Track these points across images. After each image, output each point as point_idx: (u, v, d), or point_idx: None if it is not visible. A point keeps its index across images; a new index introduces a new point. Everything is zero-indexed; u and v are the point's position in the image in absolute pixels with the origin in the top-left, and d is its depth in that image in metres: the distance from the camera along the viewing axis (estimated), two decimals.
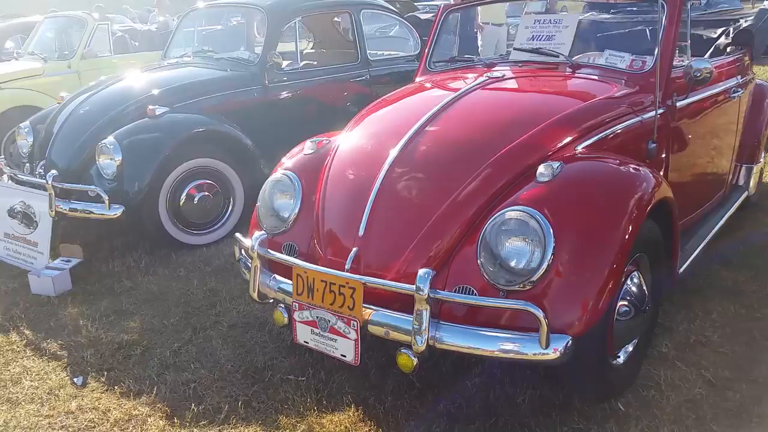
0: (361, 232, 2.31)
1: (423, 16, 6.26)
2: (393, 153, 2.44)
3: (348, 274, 2.17)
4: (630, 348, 2.42)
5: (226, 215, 4.31)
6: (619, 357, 2.38)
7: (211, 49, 5.02)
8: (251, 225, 2.93)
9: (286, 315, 2.48)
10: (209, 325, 3.17)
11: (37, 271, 3.72)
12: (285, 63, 4.59)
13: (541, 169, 2.16)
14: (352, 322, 2.16)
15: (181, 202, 4.07)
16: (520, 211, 2.06)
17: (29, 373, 2.84)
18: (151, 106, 4.02)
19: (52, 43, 7.00)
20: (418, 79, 3.50)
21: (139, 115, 4.07)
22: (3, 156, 4.50)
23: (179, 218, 4.09)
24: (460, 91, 2.73)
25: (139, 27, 9.09)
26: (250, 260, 2.75)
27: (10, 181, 4.37)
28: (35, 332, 3.21)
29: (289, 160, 2.91)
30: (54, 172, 3.85)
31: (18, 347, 3.07)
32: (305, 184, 2.71)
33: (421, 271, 2.01)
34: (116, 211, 3.78)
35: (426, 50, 3.59)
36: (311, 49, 6.00)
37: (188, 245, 4.15)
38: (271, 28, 4.60)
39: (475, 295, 2.08)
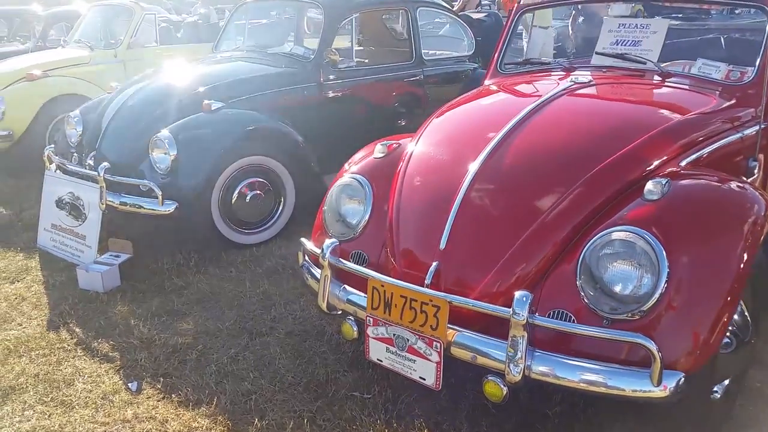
0: (442, 246, 2.16)
1: (475, 16, 6.06)
2: (477, 161, 2.28)
3: (433, 291, 2.02)
4: (727, 382, 2.24)
5: (277, 215, 4.19)
6: (716, 392, 2.19)
7: (264, 44, 4.89)
8: (315, 229, 2.80)
9: (355, 328, 2.34)
10: (265, 331, 3.04)
11: (86, 266, 3.63)
12: (340, 60, 4.44)
13: (649, 186, 1.98)
14: (434, 343, 2.01)
15: (233, 200, 3.96)
16: (628, 231, 1.89)
17: (82, 374, 2.74)
18: (207, 101, 3.91)
19: (98, 32, 6.95)
20: (487, 82, 3.34)
21: (194, 110, 3.96)
22: (52, 145, 4.43)
23: (230, 216, 3.98)
24: (546, 97, 2.55)
25: (174, 18, 9.01)
26: (314, 267, 2.64)
27: (57, 171, 4.29)
28: (85, 330, 3.12)
29: (357, 164, 2.78)
30: (106, 164, 3.75)
31: (69, 346, 2.98)
32: (376, 189, 2.58)
33: (518, 294, 1.85)
34: (169, 207, 3.67)
35: (496, 52, 3.42)
36: (359, 46, 5.86)
37: (238, 244, 4.03)
38: (328, 24, 4.46)
39: (572, 320, 1.92)
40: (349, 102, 4.61)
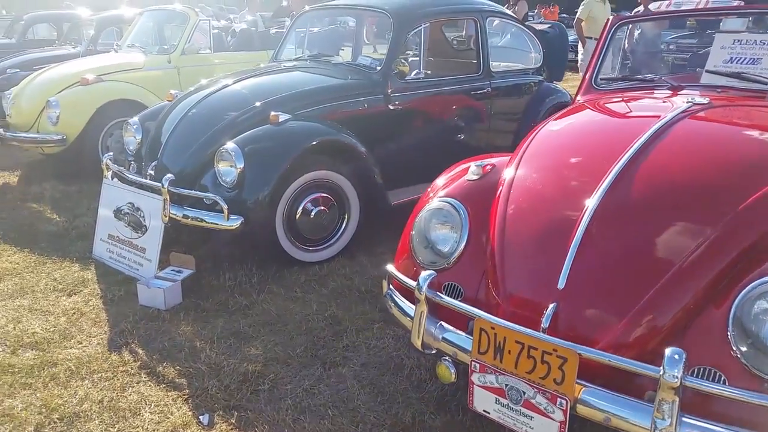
0: (561, 285, 1.93)
1: (539, 27, 5.82)
2: (599, 192, 2.05)
3: (559, 340, 1.79)
4: None
5: (340, 231, 4.00)
6: None
7: (326, 54, 4.73)
8: (398, 254, 2.61)
9: (453, 371, 2.13)
10: (339, 361, 2.84)
11: (147, 281, 3.48)
12: (409, 72, 4.24)
13: None
14: (558, 399, 1.78)
15: (297, 216, 3.78)
16: None
17: (148, 403, 2.57)
18: (274, 113, 3.74)
19: (151, 37, 6.89)
20: (581, 99, 3.10)
21: (260, 121, 3.80)
22: (111, 153, 4.31)
23: (293, 233, 3.80)
24: (665, 120, 2.31)
25: (215, 24, 8.92)
26: (400, 296, 2.44)
27: (115, 180, 4.17)
28: (149, 352, 2.95)
29: (447, 186, 2.56)
30: (171, 176, 3.61)
31: (132, 369, 2.82)
32: (472, 215, 2.37)
33: (670, 351, 1.61)
34: (234, 222, 3.51)
35: (591, 66, 3.18)
36: (415, 56, 5.66)
37: (301, 262, 3.85)
38: (396, 33, 4.27)
39: (723, 381, 1.68)
40: (416, 115, 4.41)
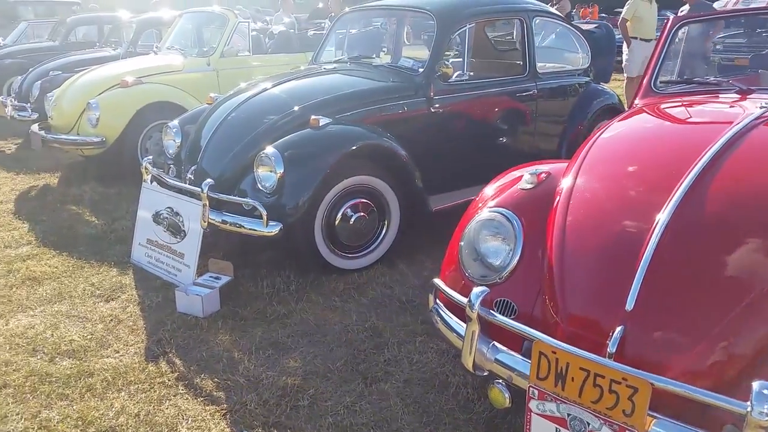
0: (629, 306, 1.77)
1: (585, 27, 5.61)
2: (670, 205, 1.89)
3: (630, 368, 1.64)
4: None
5: (380, 238, 3.89)
6: None
7: (366, 55, 4.62)
8: (445, 266, 2.48)
9: (508, 396, 1.99)
10: (381, 377, 2.72)
11: (185, 288, 3.42)
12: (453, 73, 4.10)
13: None
14: None
15: (336, 222, 3.68)
16: None
17: (185, 418, 2.49)
18: (315, 117, 3.64)
19: (191, 39, 6.89)
20: (639, 102, 2.92)
21: (300, 125, 3.71)
22: (150, 156, 4.27)
23: (332, 239, 3.70)
24: (738, 127, 2.14)
25: (253, 26, 8.90)
26: (447, 311, 2.31)
27: (154, 183, 4.13)
28: (186, 363, 2.88)
29: (498, 196, 2.42)
30: (210, 181, 3.54)
31: (169, 380, 2.74)
32: (526, 226, 2.22)
33: (758, 385, 1.45)
34: (273, 229, 3.42)
35: (650, 69, 3.00)
36: (458, 58, 5.51)
37: (340, 269, 3.75)
38: (440, 34, 4.13)
39: None
40: (459, 118, 4.27)
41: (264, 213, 3.41)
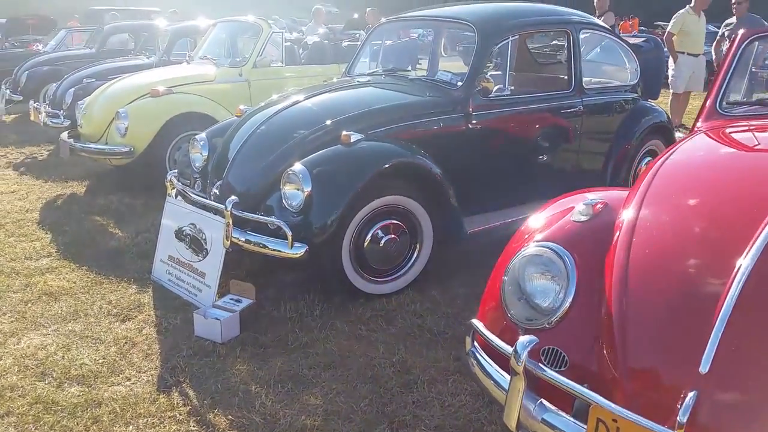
0: (703, 368, 1.51)
1: (632, 41, 5.32)
2: (754, 248, 1.62)
3: None
4: None
5: (410, 261, 3.65)
6: None
7: (402, 68, 4.41)
8: (484, 302, 2.23)
9: None
10: (409, 421, 2.48)
11: (204, 310, 3.24)
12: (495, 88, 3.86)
13: None
14: None
15: (365, 244, 3.45)
16: None
17: None
18: (346, 132, 3.44)
19: (224, 49, 6.78)
20: (702, 125, 2.64)
21: (330, 141, 3.51)
22: (176, 170, 4.12)
23: (360, 262, 3.48)
24: None
25: (287, 36, 8.78)
26: (486, 356, 2.06)
27: (179, 198, 3.97)
28: (200, 395, 2.68)
29: (547, 228, 2.16)
30: (235, 198, 3.35)
31: (181, 414, 2.54)
32: (580, 265, 1.96)
33: None
34: (299, 251, 3.21)
35: (714, 88, 2.71)
36: (498, 71, 5.27)
37: (367, 294, 3.52)
38: (480, 47, 3.90)
39: None
40: (499, 135, 4.03)
41: (289, 233, 3.21)
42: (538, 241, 2.09)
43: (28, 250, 4.34)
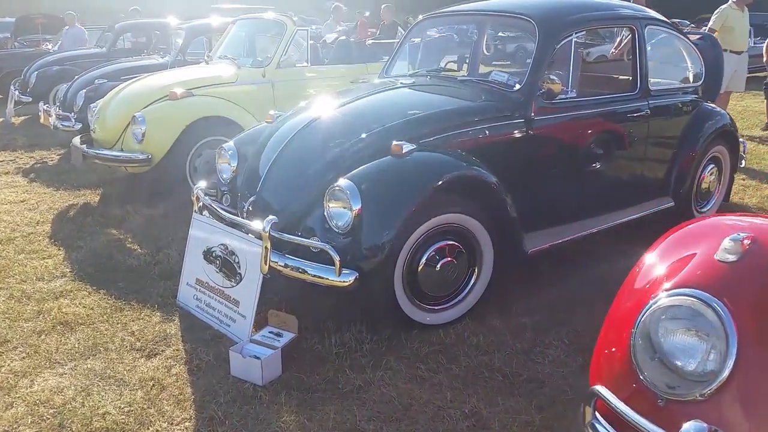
0: None
1: (693, 37, 4.89)
2: None
3: None
4: None
5: (468, 287, 3.25)
6: None
7: (451, 68, 4.00)
8: (601, 359, 1.84)
9: None
10: None
11: (240, 346, 2.85)
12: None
13: None
14: None
15: (419, 268, 3.06)
16: None
17: None
18: (397, 142, 3.04)
19: (245, 48, 6.39)
20: None
21: (378, 152, 3.11)
22: (204, 184, 3.71)
23: (413, 289, 3.08)
24: None
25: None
26: (607, 426, 1.66)
27: (206, 214, 3.58)
28: None
29: (682, 269, 1.75)
30: (274, 218, 2.95)
31: None
32: (738, 318, 1.55)
33: None
34: (348, 278, 2.82)
35: None
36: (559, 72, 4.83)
37: (421, 324, 3.13)
38: (542, 44, 3.49)
39: None
40: (563, 143, 3.63)
41: (337, 259, 2.82)
42: (673, 288, 1.69)
43: (40, 270, 3.97)
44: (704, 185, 4.59)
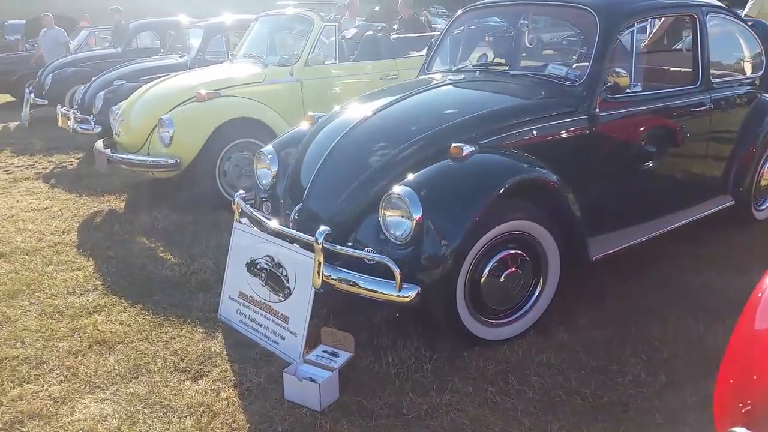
0: None
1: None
2: None
3: None
4: None
5: (532, 298, 3.03)
6: None
7: (500, 62, 3.77)
8: (727, 389, 1.60)
9: None
10: None
11: (294, 368, 2.64)
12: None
13: None
14: None
15: (482, 280, 2.83)
16: None
17: None
18: (456, 144, 2.81)
19: (270, 46, 6.16)
20: None
21: (434, 155, 2.89)
22: (243, 191, 3.50)
23: (475, 302, 2.86)
24: None
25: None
26: None
27: (245, 221, 3.37)
28: None
29: None
30: (326, 228, 2.74)
31: None
32: None
33: None
34: (409, 293, 2.61)
35: None
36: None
37: (483, 340, 2.91)
38: (604, 35, 3.26)
39: None
40: (627, 140, 3.40)
41: (397, 272, 2.60)
42: None
43: (71, 283, 3.78)
44: (763, 182, 4.34)
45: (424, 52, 6.35)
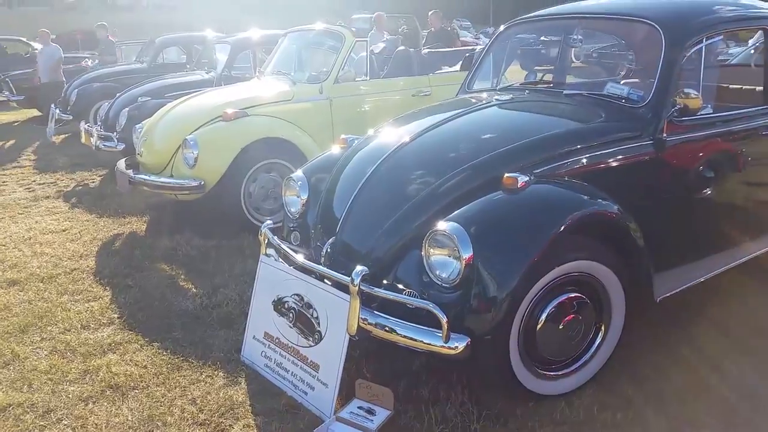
0: None
1: None
2: None
3: None
4: None
5: (593, 347, 2.69)
6: None
7: (549, 81, 3.46)
8: None
9: None
10: None
11: (325, 428, 2.35)
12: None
13: None
14: None
15: (539, 327, 2.51)
16: None
17: None
18: (509, 174, 2.50)
19: (298, 63, 5.93)
20: None
21: (483, 186, 2.57)
22: (271, 220, 3.22)
23: (530, 352, 2.53)
24: None
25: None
26: None
27: (272, 253, 3.09)
28: None
29: None
30: (364, 268, 2.44)
31: None
32: None
33: None
34: (459, 344, 2.29)
35: None
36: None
37: (538, 395, 2.58)
38: (670, 51, 2.93)
39: None
40: (697, 166, 3.03)
41: (444, 320, 2.29)
42: None
43: (85, 316, 3.53)
44: None
45: (458, 67, 6.11)
